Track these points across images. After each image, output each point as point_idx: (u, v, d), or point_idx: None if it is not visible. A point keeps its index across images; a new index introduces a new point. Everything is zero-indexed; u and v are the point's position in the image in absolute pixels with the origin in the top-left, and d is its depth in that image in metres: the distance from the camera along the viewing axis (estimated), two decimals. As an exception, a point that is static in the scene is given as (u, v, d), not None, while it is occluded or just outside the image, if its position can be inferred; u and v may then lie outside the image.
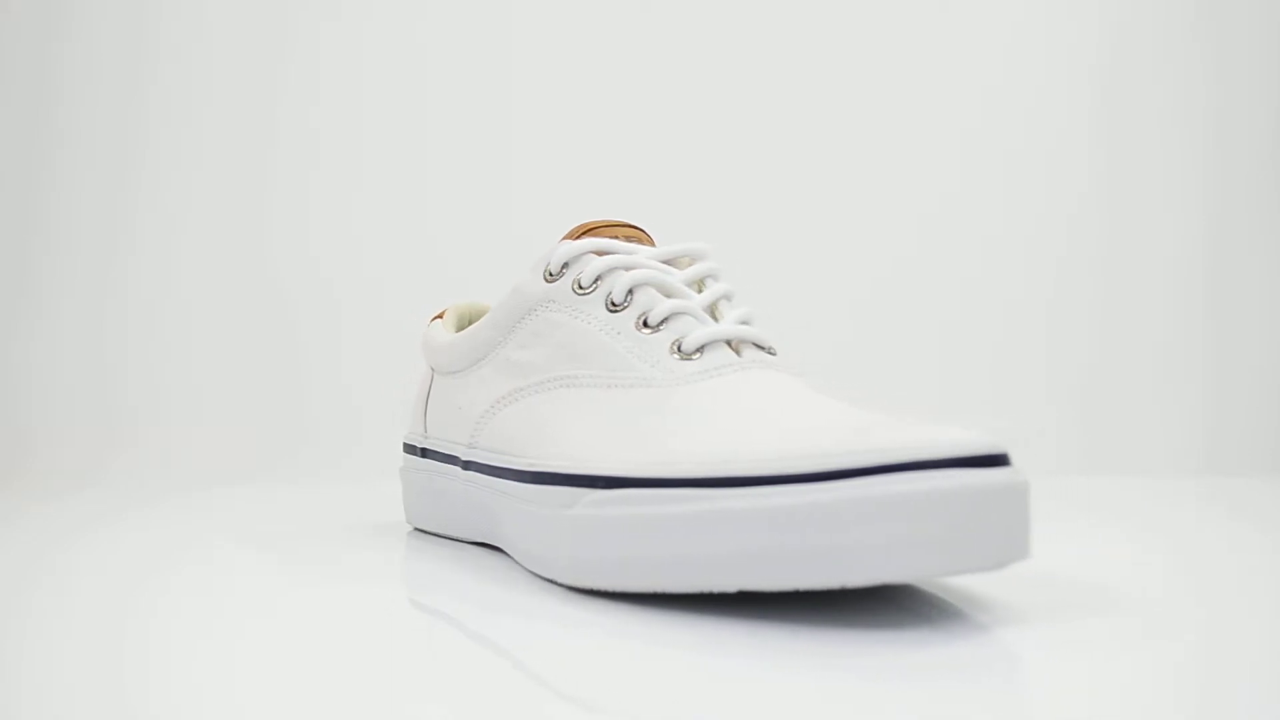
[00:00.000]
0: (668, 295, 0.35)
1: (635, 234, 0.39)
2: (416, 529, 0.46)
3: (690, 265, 0.37)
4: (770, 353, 0.35)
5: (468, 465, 0.40)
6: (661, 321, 0.34)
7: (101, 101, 0.86)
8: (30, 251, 0.85)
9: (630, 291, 0.35)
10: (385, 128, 0.89)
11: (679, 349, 0.34)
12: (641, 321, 0.35)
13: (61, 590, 0.33)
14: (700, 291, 0.37)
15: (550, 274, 0.38)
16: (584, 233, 0.39)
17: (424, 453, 0.44)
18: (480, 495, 0.39)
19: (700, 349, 0.34)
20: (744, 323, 0.35)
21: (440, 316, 0.46)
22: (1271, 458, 0.80)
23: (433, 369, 0.44)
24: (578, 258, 0.37)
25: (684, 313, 0.34)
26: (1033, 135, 0.88)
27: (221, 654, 0.25)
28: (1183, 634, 0.28)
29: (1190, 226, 0.86)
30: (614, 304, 0.35)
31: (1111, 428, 0.82)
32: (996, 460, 0.25)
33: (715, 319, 0.36)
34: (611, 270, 0.36)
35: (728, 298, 0.36)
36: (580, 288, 0.36)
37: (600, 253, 0.37)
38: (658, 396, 0.32)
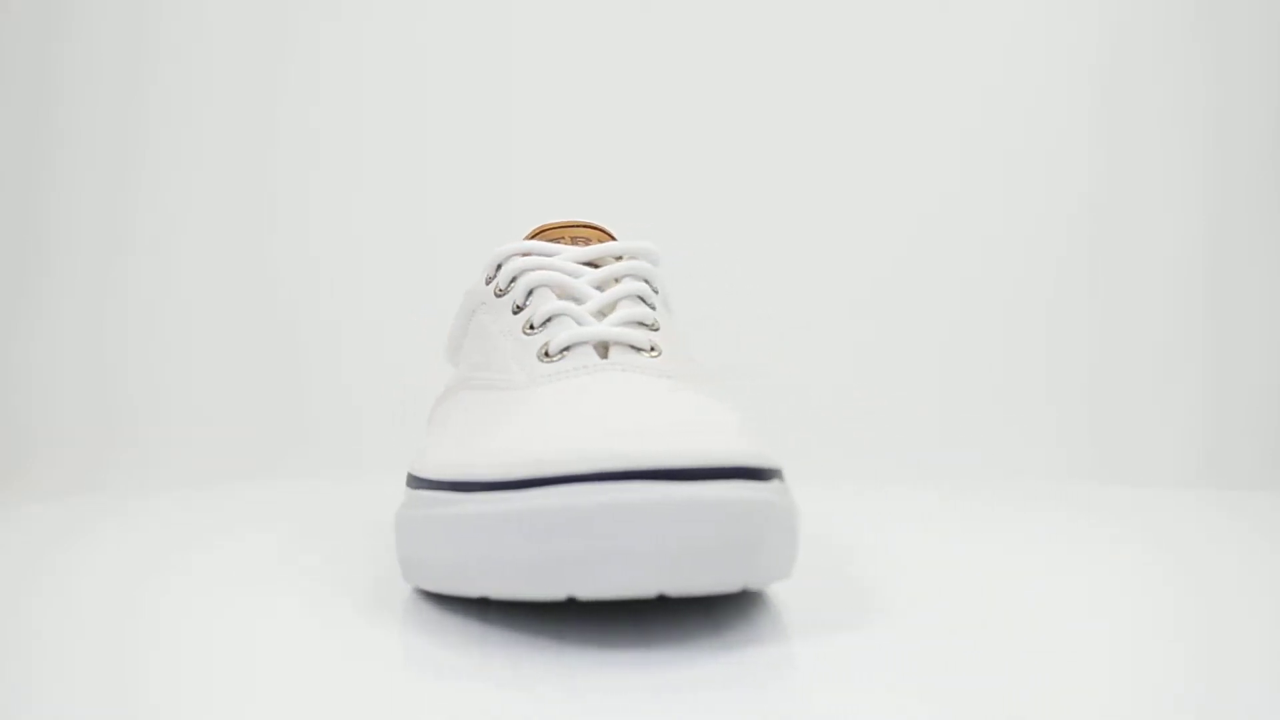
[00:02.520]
0: (562, 297, 0.34)
1: (588, 233, 0.38)
2: None
3: (606, 266, 0.36)
4: (649, 353, 0.32)
5: None
6: (544, 323, 0.33)
7: (101, 102, 0.86)
8: (30, 252, 0.85)
9: (530, 293, 0.35)
10: (385, 128, 0.89)
11: (545, 351, 0.32)
12: (529, 324, 0.34)
13: (61, 590, 0.34)
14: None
15: (489, 278, 0.37)
16: (536, 233, 0.38)
17: None
18: None
19: (564, 351, 0.32)
20: (633, 323, 0.34)
21: None
22: (1272, 463, 0.79)
23: None
24: (506, 260, 0.36)
25: (564, 314, 0.33)
26: (1032, 139, 0.88)
27: (221, 653, 0.25)
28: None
29: (1191, 228, 0.86)
30: (517, 307, 0.35)
31: (1111, 432, 0.82)
32: (744, 473, 0.23)
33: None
34: (523, 273, 0.35)
35: (637, 298, 0.35)
36: (500, 290, 0.36)
37: (525, 254, 0.36)
38: (512, 399, 0.31)
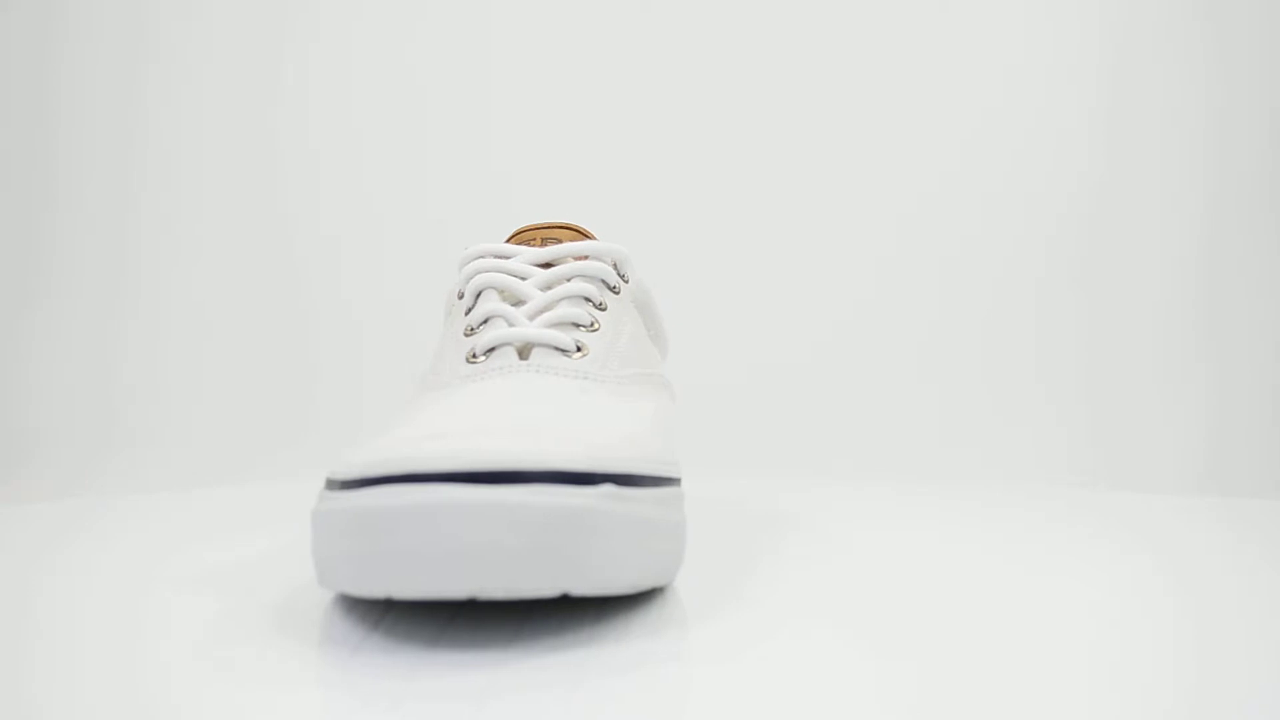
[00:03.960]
0: (506, 298, 0.35)
1: (560, 234, 0.37)
2: None
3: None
4: (575, 354, 0.32)
5: None
6: (481, 324, 0.34)
7: (100, 102, 0.86)
8: (30, 253, 0.85)
9: (478, 295, 0.35)
10: (386, 128, 0.89)
11: (473, 353, 0.33)
12: (470, 326, 0.34)
13: (61, 590, 0.34)
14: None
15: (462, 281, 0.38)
16: (513, 235, 0.38)
17: None
18: None
19: (489, 352, 0.32)
20: (565, 324, 0.33)
21: None
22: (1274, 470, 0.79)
23: None
24: (466, 263, 0.37)
25: (497, 316, 0.33)
26: (1034, 141, 0.88)
27: (222, 653, 0.25)
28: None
29: (1193, 233, 0.86)
30: (467, 309, 0.35)
31: (1112, 438, 0.82)
32: (556, 478, 0.23)
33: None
34: (474, 275, 0.35)
35: (581, 298, 0.34)
36: (460, 293, 0.36)
37: (483, 257, 0.36)
38: (426, 401, 0.31)
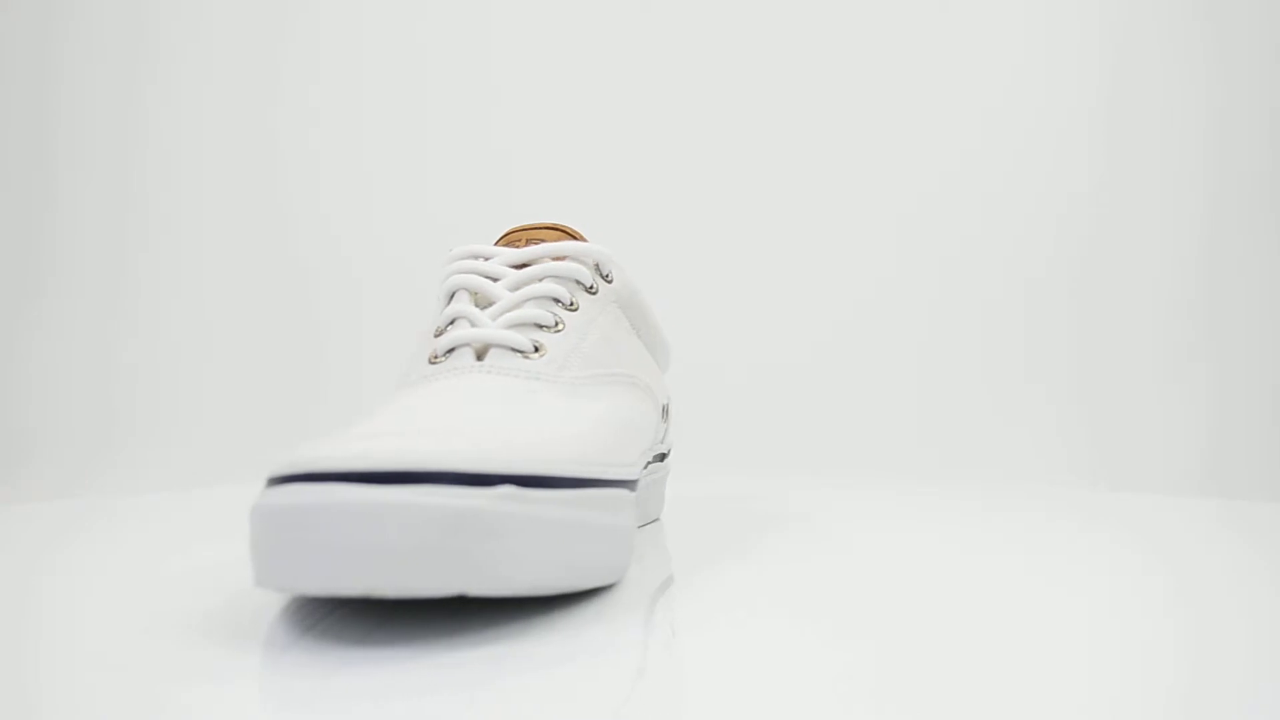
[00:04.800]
0: (476, 299, 0.35)
1: (545, 234, 0.38)
2: None
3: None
4: (533, 355, 0.33)
5: None
6: (448, 325, 0.34)
7: (100, 102, 0.86)
8: (30, 253, 0.85)
9: (451, 296, 0.35)
10: (388, 129, 0.89)
11: (435, 353, 0.33)
12: (439, 327, 0.34)
13: (61, 590, 0.34)
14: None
15: None
16: (502, 236, 0.38)
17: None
18: None
19: (449, 352, 0.33)
20: (528, 325, 0.34)
21: None
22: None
23: None
24: (448, 264, 0.37)
25: (461, 317, 0.34)
26: (1033, 142, 0.88)
27: (222, 652, 0.25)
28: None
29: (1193, 234, 0.86)
30: (442, 309, 0.35)
31: (1111, 438, 0.82)
32: (449, 479, 0.23)
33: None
34: (450, 276, 0.36)
35: (549, 299, 0.35)
36: (440, 294, 0.37)
37: (463, 258, 0.37)
38: (390, 399, 0.32)
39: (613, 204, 0.85)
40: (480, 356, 0.33)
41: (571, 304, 0.35)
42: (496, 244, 0.38)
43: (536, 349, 0.33)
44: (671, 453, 0.48)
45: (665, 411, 0.43)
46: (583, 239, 0.38)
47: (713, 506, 0.49)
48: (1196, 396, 0.81)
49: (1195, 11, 0.85)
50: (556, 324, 0.34)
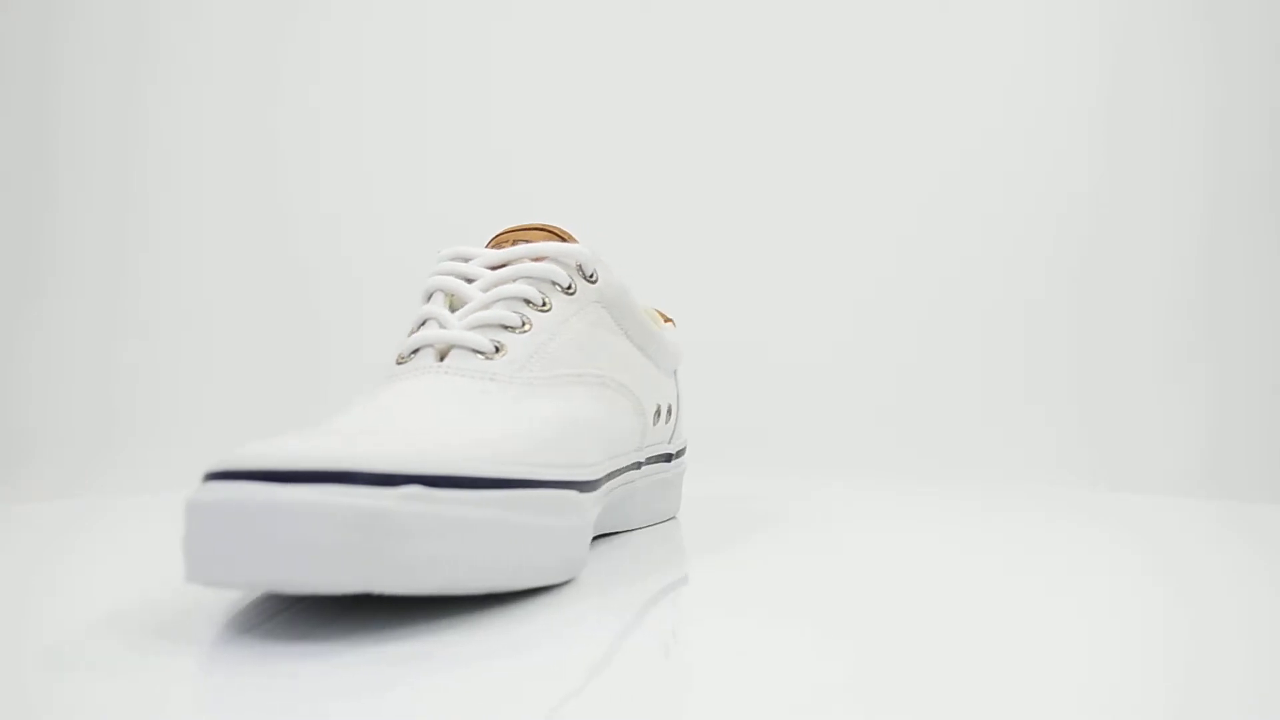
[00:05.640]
0: (451, 300, 0.35)
1: (531, 235, 0.38)
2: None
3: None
4: (494, 355, 0.33)
5: None
6: (420, 326, 0.35)
7: (100, 102, 0.86)
8: (30, 253, 0.85)
9: (429, 297, 0.36)
10: (387, 130, 0.89)
11: (402, 354, 0.34)
12: (413, 327, 0.35)
13: (61, 590, 0.34)
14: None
15: None
16: (493, 238, 0.39)
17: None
18: None
19: (414, 353, 0.34)
20: (493, 326, 0.34)
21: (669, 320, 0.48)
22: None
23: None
24: (437, 265, 0.37)
25: (430, 318, 0.34)
26: (1033, 143, 0.88)
27: (223, 652, 0.25)
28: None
29: (1193, 234, 0.86)
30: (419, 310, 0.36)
31: (1111, 439, 0.82)
32: (348, 478, 0.23)
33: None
34: (432, 276, 0.36)
35: (521, 300, 0.35)
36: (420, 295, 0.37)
37: (446, 259, 0.37)
38: (356, 399, 0.32)
39: (613, 204, 0.85)
40: (442, 357, 0.33)
41: (544, 305, 0.35)
42: (488, 246, 0.38)
43: (498, 349, 0.33)
44: (685, 453, 0.48)
45: (664, 412, 0.43)
46: (570, 239, 0.38)
47: (712, 507, 0.49)
48: (1196, 396, 0.81)
49: (1195, 11, 0.85)
50: (523, 324, 0.34)
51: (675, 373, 0.46)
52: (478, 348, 0.33)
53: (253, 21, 0.90)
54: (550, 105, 0.89)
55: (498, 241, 0.38)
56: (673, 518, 0.47)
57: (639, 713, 0.21)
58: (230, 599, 0.29)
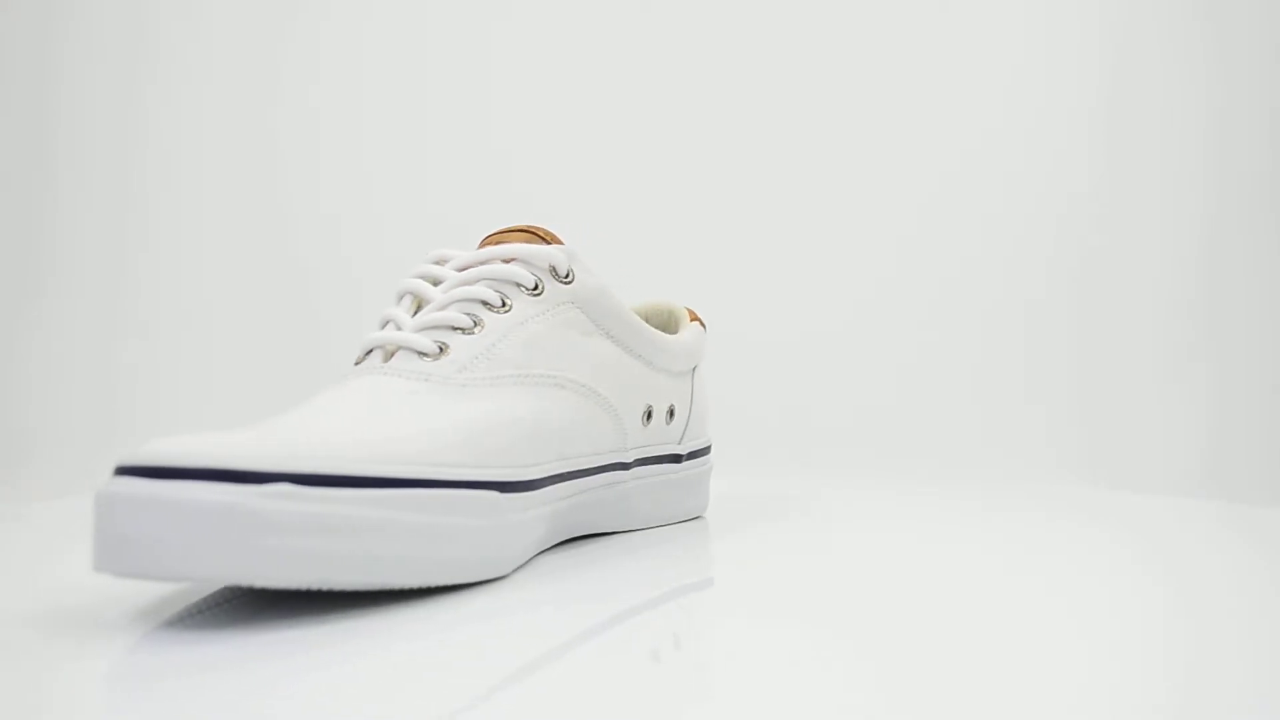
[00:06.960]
0: (419, 301, 0.36)
1: (515, 237, 0.38)
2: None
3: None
4: (440, 355, 0.33)
5: None
6: (382, 327, 0.35)
7: (100, 102, 0.86)
8: (30, 253, 0.85)
9: (400, 299, 0.36)
10: (387, 130, 0.89)
11: (358, 355, 0.35)
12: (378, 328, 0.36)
13: (61, 590, 0.34)
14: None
15: None
16: (484, 240, 0.39)
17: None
18: None
19: (367, 354, 0.34)
20: (442, 327, 0.34)
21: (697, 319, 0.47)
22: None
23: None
24: (416, 266, 0.38)
25: (389, 319, 0.35)
26: (1033, 143, 0.88)
27: (223, 651, 0.25)
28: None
29: (1193, 234, 0.86)
30: None
31: (1111, 439, 0.82)
32: (214, 475, 0.24)
33: None
34: (404, 279, 0.37)
35: (479, 302, 0.35)
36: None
37: (428, 262, 0.38)
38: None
39: (613, 204, 0.85)
40: (388, 358, 0.34)
41: (504, 306, 0.35)
42: (478, 248, 0.39)
43: (442, 350, 0.34)
44: (708, 453, 0.47)
45: (664, 413, 0.43)
46: (553, 240, 0.38)
47: (711, 507, 0.49)
48: (1196, 396, 0.81)
49: (1195, 11, 0.85)
50: (475, 326, 0.35)
51: (694, 372, 0.45)
52: (422, 349, 0.33)
53: (252, 21, 0.90)
54: (551, 105, 0.89)
55: (485, 244, 0.39)
56: (698, 517, 0.47)
57: (636, 712, 0.21)
58: (228, 598, 0.29)
